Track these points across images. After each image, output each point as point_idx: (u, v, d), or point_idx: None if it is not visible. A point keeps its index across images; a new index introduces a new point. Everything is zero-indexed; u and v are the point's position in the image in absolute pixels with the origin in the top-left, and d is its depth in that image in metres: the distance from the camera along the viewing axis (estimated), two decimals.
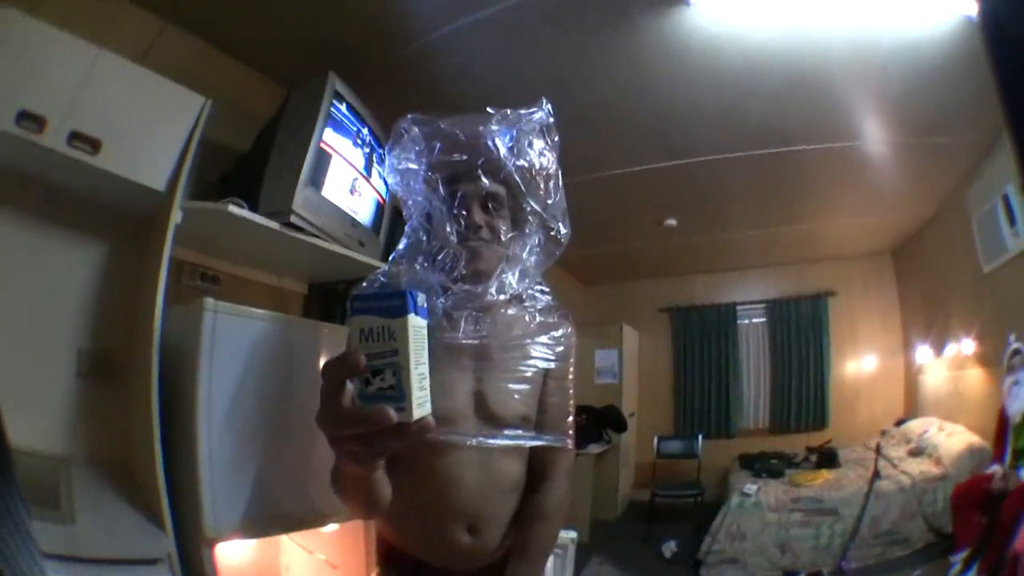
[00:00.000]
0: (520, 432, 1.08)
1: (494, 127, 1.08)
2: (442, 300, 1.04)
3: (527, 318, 1.13)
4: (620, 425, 4.74)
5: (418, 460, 1.03)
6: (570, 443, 1.16)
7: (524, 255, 1.11)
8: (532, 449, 1.13)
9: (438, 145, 1.08)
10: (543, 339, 1.13)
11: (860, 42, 2.22)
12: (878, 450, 3.46)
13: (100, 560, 1.10)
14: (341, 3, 1.99)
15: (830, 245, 4.78)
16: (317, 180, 1.74)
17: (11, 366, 1.45)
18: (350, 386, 0.58)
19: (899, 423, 4.25)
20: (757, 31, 2.19)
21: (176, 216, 1.52)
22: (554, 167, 1.14)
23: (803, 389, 5.05)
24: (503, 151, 1.08)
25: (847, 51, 2.25)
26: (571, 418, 1.18)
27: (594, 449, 4.41)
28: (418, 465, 1.03)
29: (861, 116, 2.74)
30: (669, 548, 3.77)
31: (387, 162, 1.12)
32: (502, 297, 1.07)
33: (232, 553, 1.66)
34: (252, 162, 1.87)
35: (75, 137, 1.42)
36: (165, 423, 1.35)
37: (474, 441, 1.03)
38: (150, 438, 1.29)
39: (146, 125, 1.55)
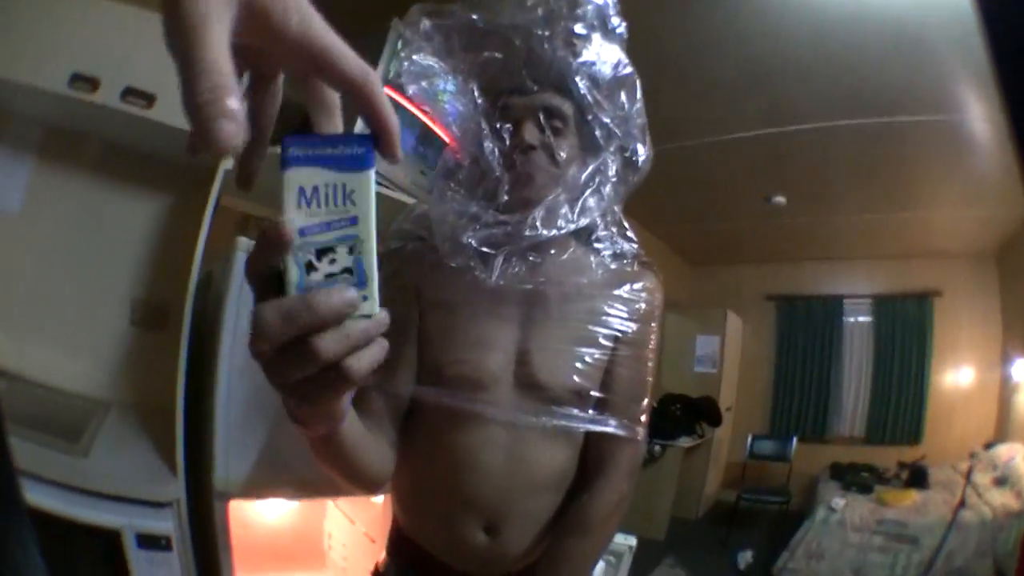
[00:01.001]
0: (572, 411, 0.85)
1: (538, 13, 0.83)
2: (470, 233, 0.82)
3: (595, 264, 0.90)
4: (715, 419, 4.56)
5: (429, 433, 0.85)
6: (640, 432, 0.90)
7: (590, 180, 0.86)
8: (588, 436, 0.89)
9: (457, 42, 0.85)
10: (618, 292, 0.90)
11: None
12: (968, 476, 3.27)
13: (103, 495, 1.13)
14: None
15: (936, 238, 4.48)
16: None
17: (68, 314, 1.55)
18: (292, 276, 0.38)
19: (988, 445, 3.93)
20: None
21: (227, 162, 1.54)
22: (628, 67, 0.89)
23: (903, 397, 4.75)
24: (559, 50, 0.83)
25: (948, 4, 2.06)
26: (645, 401, 0.93)
27: (685, 442, 4.26)
28: (428, 439, 0.85)
29: (967, 85, 2.51)
30: (744, 559, 3.63)
31: (402, 66, 0.88)
32: (555, 232, 0.82)
33: (271, 512, 1.70)
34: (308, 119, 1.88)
35: (128, 93, 1.48)
36: (198, 373, 1.37)
37: (506, 416, 0.83)
38: (174, 382, 1.32)
39: None
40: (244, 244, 1.36)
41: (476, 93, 0.86)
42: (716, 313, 4.98)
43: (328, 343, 0.37)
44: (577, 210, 0.84)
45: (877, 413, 4.85)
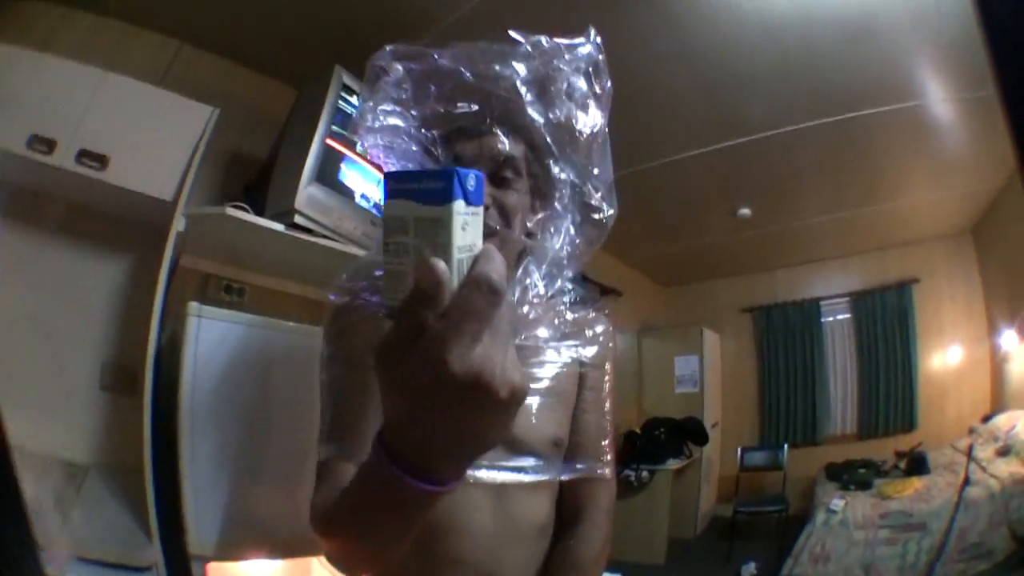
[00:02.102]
0: (546, 463, 0.86)
1: (518, 64, 0.81)
2: None
3: (555, 317, 0.90)
4: (702, 438, 4.59)
5: None
6: (608, 471, 0.95)
7: (554, 244, 0.85)
8: (564, 482, 0.92)
9: (433, 88, 0.82)
10: (579, 340, 0.93)
11: None
12: (969, 453, 3.27)
13: (84, 559, 1.12)
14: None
15: (909, 227, 4.51)
16: (326, 178, 1.72)
17: (38, 378, 1.58)
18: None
19: (986, 419, 3.95)
20: None
21: (179, 224, 1.56)
22: (602, 122, 0.87)
23: (891, 388, 4.74)
24: (529, 97, 0.81)
25: None
26: (608, 440, 0.97)
27: (673, 464, 4.30)
28: None
29: (923, 67, 2.53)
30: (749, 571, 3.61)
31: (360, 116, 0.85)
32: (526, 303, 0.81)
33: (255, 573, 1.66)
34: (268, 168, 1.90)
35: (83, 155, 1.51)
36: (169, 436, 1.36)
37: (487, 475, 0.82)
38: (141, 447, 1.31)
39: (153, 139, 1.63)
40: (195, 308, 1.37)
41: (438, 146, 0.83)
42: (692, 332, 5.03)
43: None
44: (544, 280, 0.83)
45: (867, 408, 4.85)
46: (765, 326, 5.36)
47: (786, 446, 4.62)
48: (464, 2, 2.03)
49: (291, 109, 1.88)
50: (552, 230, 0.86)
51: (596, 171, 0.88)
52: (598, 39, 0.86)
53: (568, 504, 0.93)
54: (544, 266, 0.83)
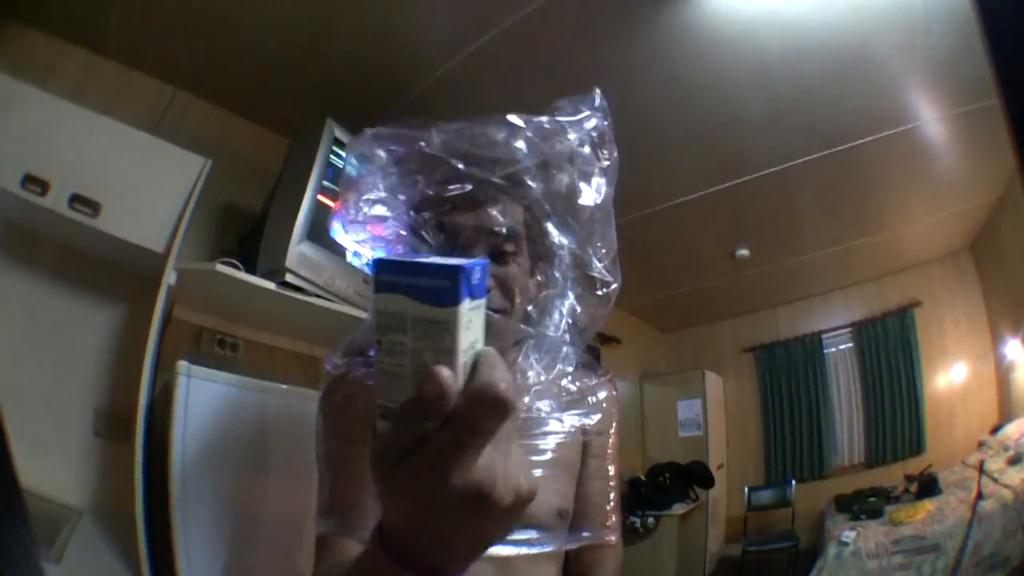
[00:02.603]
0: (550, 534, 0.84)
1: (518, 143, 0.77)
2: None
3: (556, 387, 0.88)
4: (707, 481, 4.55)
5: None
6: (615, 537, 0.95)
7: (555, 321, 0.83)
8: (570, 550, 0.91)
9: (422, 178, 0.79)
10: (582, 408, 0.91)
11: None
12: (980, 468, 3.23)
13: None
14: (347, 50, 2.01)
15: (908, 252, 4.55)
16: (317, 235, 1.71)
17: (35, 418, 1.55)
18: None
19: (995, 430, 3.92)
20: (791, 4, 2.03)
21: (170, 277, 1.54)
22: (607, 191, 0.85)
23: (897, 413, 4.71)
24: (529, 168, 0.78)
25: (887, 12, 2.08)
26: (613, 504, 0.96)
27: (679, 509, 4.27)
28: None
29: (910, 92, 2.55)
30: None
31: (341, 215, 0.81)
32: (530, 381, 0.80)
33: None
34: (263, 220, 1.89)
35: (76, 200, 1.52)
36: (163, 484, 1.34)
37: (491, 549, 0.80)
38: (133, 498, 1.28)
39: (146, 188, 1.63)
40: (184, 368, 1.36)
41: (430, 228, 0.81)
42: (694, 375, 5.05)
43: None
44: (544, 362, 0.81)
45: (874, 435, 4.81)
46: (767, 364, 5.36)
47: (793, 481, 4.61)
48: (454, 54, 2.05)
49: (284, 161, 1.89)
50: (554, 305, 0.84)
51: (599, 243, 0.85)
52: (604, 103, 0.83)
53: (575, 571, 0.93)
54: (544, 351, 0.82)
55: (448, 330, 0.38)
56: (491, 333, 0.63)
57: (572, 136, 0.81)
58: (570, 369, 0.88)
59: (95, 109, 1.58)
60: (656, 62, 2.22)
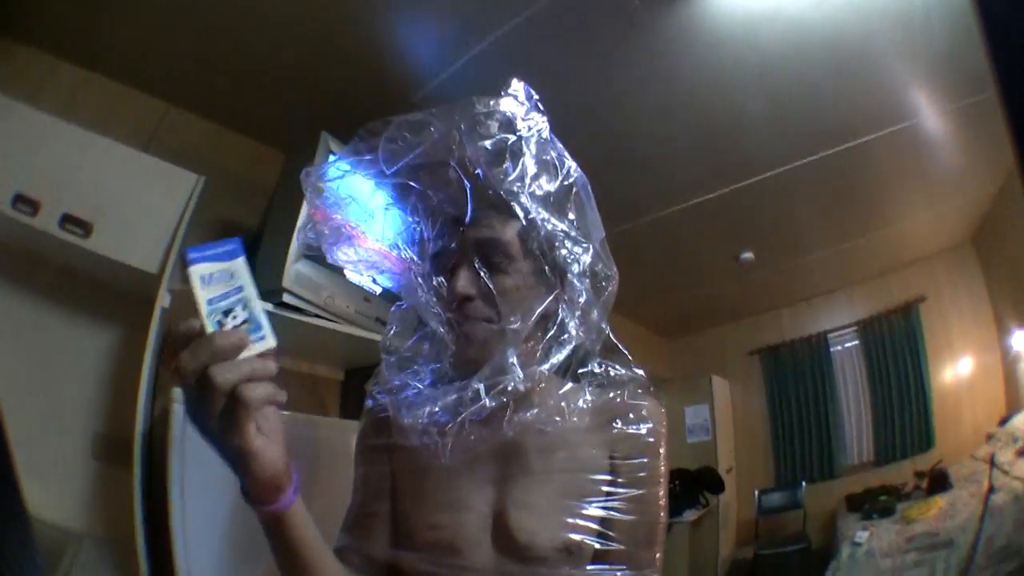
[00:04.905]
0: (563, 570, 0.77)
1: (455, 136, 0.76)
2: (416, 412, 0.74)
3: (580, 403, 0.81)
4: (717, 486, 4.55)
5: None
6: None
7: (548, 321, 0.78)
8: None
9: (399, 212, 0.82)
10: (608, 431, 0.83)
11: None
12: (992, 461, 3.22)
13: None
14: (341, 63, 1.99)
15: (910, 247, 4.56)
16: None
17: (30, 442, 1.55)
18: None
19: (1003, 421, 3.92)
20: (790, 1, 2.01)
21: (164, 299, 1.52)
22: (577, 173, 0.82)
23: (905, 409, 4.71)
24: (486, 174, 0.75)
25: (886, 7, 2.06)
26: (657, 543, 0.83)
27: (689, 516, 4.28)
28: None
29: (909, 88, 2.56)
30: None
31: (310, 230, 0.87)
32: (503, 400, 0.73)
33: None
34: (260, 237, 1.87)
35: (67, 220, 1.49)
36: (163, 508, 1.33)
37: None
38: (133, 524, 1.26)
39: (138, 207, 1.61)
40: (180, 395, 1.34)
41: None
42: (701, 381, 5.06)
43: (222, 370, 0.55)
44: (537, 362, 0.76)
45: (883, 432, 4.80)
46: (774, 366, 5.37)
47: (803, 483, 4.61)
48: (446, 66, 2.06)
49: (279, 177, 1.86)
50: (567, 315, 0.79)
51: (585, 228, 0.81)
52: (519, 90, 0.83)
53: None
54: (531, 348, 0.77)
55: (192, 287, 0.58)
56: (476, 342, 0.76)
57: (492, 123, 0.79)
58: (598, 369, 0.84)
59: (86, 126, 1.58)
60: (655, 68, 2.22)
